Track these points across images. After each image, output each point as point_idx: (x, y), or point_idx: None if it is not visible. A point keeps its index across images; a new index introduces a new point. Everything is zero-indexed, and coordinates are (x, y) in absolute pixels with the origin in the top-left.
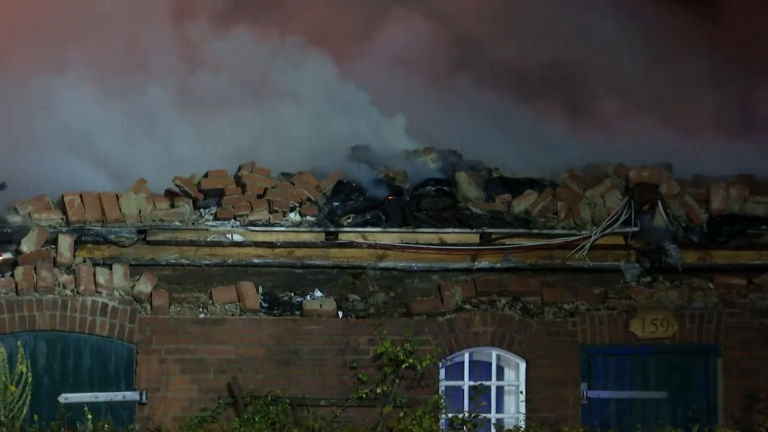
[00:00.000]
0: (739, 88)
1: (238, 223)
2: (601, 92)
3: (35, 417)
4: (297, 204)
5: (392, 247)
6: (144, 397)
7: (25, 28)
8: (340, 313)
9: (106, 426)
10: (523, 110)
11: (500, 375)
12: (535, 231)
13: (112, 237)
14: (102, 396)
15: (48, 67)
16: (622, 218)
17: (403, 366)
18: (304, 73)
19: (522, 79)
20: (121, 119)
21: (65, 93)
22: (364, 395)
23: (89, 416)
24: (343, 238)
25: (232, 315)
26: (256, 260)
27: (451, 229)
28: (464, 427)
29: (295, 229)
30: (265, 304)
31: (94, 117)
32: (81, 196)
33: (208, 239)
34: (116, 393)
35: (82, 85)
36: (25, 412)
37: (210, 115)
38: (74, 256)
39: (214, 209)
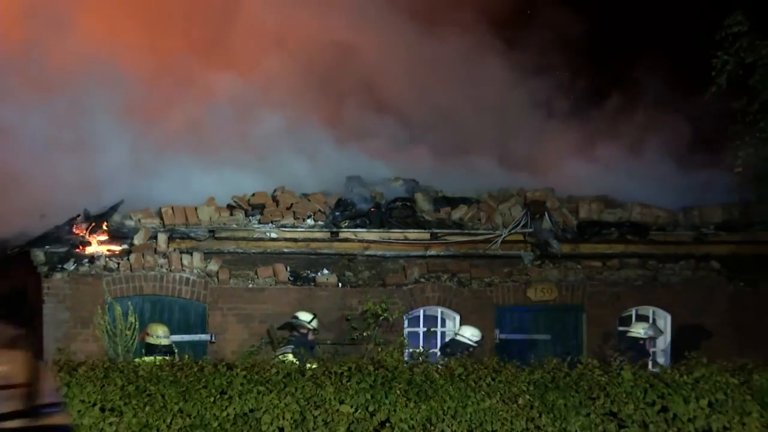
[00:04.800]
0: (602, 123)
1: (273, 225)
2: (505, 137)
3: (143, 352)
4: (312, 213)
5: (373, 242)
6: (213, 338)
7: None
8: (340, 284)
9: (187, 356)
10: (455, 149)
11: (443, 324)
12: (466, 231)
13: (192, 235)
14: (186, 337)
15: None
16: (522, 223)
17: (380, 318)
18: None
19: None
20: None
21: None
22: (355, 337)
23: (175, 350)
24: (342, 235)
25: (270, 286)
26: (285, 250)
27: (411, 230)
28: (420, 358)
29: (311, 229)
30: (291, 278)
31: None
32: (172, 208)
33: (254, 236)
34: (194, 336)
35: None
36: (134, 349)
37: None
38: (168, 246)
39: (258, 217)
